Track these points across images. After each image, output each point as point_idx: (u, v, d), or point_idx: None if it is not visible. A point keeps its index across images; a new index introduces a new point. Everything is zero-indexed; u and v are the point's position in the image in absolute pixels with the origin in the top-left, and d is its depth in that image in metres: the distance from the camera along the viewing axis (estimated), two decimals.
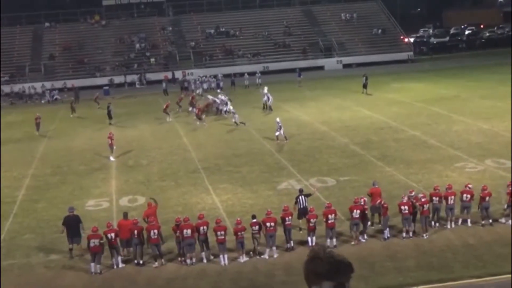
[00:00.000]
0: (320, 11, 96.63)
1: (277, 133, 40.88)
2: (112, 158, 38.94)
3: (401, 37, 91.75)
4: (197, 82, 72.17)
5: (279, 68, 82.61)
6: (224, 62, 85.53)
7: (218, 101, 52.61)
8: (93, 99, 62.59)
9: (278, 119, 41.51)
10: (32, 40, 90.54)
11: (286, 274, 21.94)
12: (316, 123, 47.02)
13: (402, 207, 24.10)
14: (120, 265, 23.26)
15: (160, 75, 79.72)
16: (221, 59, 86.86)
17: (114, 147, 39.42)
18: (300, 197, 26.01)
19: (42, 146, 44.92)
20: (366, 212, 24.34)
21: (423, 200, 24.40)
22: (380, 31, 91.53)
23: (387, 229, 24.40)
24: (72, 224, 23.93)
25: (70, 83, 78.30)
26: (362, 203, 24.44)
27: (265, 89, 53.84)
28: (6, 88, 78.79)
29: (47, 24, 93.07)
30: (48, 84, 78.65)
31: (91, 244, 22.74)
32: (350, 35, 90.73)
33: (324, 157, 37.26)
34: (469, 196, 25.07)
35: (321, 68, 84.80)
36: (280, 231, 23.90)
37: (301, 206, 25.67)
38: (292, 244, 23.70)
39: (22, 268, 23.85)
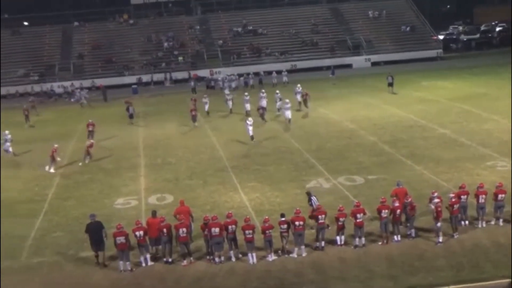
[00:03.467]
0: (347, 8, 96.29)
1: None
2: (52, 170, 37.94)
3: (431, 34, 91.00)
4: (225, 80, 72.32)
5: (307, 66, 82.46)
6: (252, 61, 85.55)
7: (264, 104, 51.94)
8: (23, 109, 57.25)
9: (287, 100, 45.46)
10: (61, 40, 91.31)
11: (314, 273, 21.83)
12: (344, 121, 46.81)
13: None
14: (149, 263, 23.32)
15: (188, 74, 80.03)
16: (249, 57, 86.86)
17: (58, 159, 38.64)
18: (312, 198, 25.99)
19: (71, 145, 45.22)
20: (397, 211, 24.02)
21: (453, 200, 24.09)
22: (408, 28, 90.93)
23: (413, 229, 24.19)
24: (95, 231, 23.55)
25: (98, 82, 78.93)
26: (392, 203, 24.16)
27: (299, 87, 53.46)
28: (36, 87, 79.59)
29: (76, 23, 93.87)
30: (77, 83, 79.34)
31: (117, 242, 22.77)
32: (378, 33, 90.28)
33: (353, 155, 37.06)
34: (503, 195, 24.75)
35: (349, 66, 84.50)
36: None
37: (314, 207, 25.66)
38: (323, 244, 23.55)
39: (52, 265, 23.98)
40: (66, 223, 28.53)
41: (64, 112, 63.95)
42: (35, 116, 59.06)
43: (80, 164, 38.42)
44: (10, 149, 42.55)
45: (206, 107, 53.85)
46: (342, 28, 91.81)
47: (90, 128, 45.22)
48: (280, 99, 51.66)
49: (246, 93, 53.62)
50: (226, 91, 60.83)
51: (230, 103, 54.33)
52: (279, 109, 50.98)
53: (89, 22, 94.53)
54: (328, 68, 77.76)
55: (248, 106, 50.93)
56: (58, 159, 38.42)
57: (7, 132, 43.17)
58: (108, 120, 54.46)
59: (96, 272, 23.08)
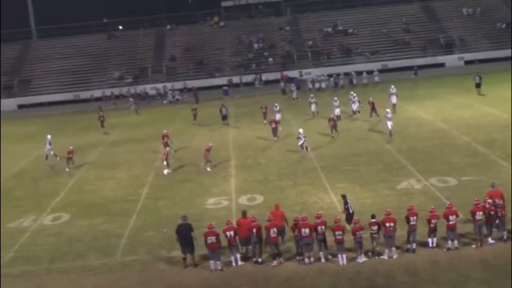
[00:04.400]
0: (440, 6, 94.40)
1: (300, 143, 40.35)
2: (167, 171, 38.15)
3: None
4: (315, 81, 72.25)
5: (398, 66, 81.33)
6: (342, 61, 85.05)
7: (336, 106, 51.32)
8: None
9: (300, 130, 40.68)
10: (154, 42, 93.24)
11: (406, 275, 21.53)
12: (436, 121, 45.98)
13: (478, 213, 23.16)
14: (239, 263, 23.52)
15: (280, 74, 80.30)
16: (339, 57, 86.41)
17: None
18: (349, 202, 25.68)
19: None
20: (492, 213, 23.42)
21: None
22: (504, 25, 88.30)
23: (505, 231, 23.53)
24: (185, 233, 23.74)
25: (190, 83, 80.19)
26: (486, 205, 23.57)
27: (392, 88, 51.91)
28: (131, 90, 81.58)
29: (168, 26, 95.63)
30: (169, 85, 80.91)
31: (208, 241, 23.05)
32: (472, 31, 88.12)
33: (445, 156, 36.34)
34: None
35: (441, 65, 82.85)
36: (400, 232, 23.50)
37: (351, 211, 25.37)
38: (414, 246, 23.20)
39: (145, 264, 24.52)
40: (159, 223, 29.10)
41: (157, 113, 65.26)
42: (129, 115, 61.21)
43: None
44: (51, 152, 44.15)
45: (313, 107, 53.19)
46: (435, 27, 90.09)
47: (165, 140, 43.17)
48: (356, 102, 51.00)
49: (335, 98, 50.97)
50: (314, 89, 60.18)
51: (313, 106, 53.36)
52: (354, 112, 50.52)
53: (181, 25, 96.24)
54: (419, 67, 76.47)
55: (337, 111, 48.79)
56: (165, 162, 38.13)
57: (49, 136, 44.79)
58: (200, 121, 55.19)
59: (187, 271, 23.44)
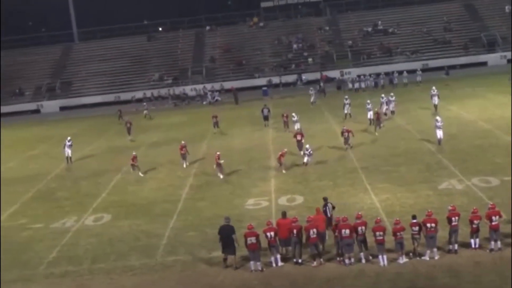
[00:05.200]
0: (482, 4, 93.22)
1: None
2: (221, 176, 36.84)
3: None
4: (355, 81, 71.92)
5: (439, 65, 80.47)
6: (382, 60, 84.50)
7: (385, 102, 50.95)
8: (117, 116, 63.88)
9: (307, 146, 38.18)
10: (194, 44, 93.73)
11: (447, 277, 21.26)
12: (478, 121, 45.40)
13: None
14: (279, 263, 23.48)
15: (317, 75, 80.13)
16: (379, 57, 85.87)
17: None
18: (327, 206, 25.26)
19: (204, 146, 46.34)
20: None
21: None
22: None
23: None
24: (226, 235, 23.75)
25: (229, 84, 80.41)
26: None
27: (434, 90, 50.94)
28: (170, 91, 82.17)
29: (208, 27, 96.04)
30: (208, 86, 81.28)
31: (248, 242, 23.05)
32: None
33: (488, 156, 35.85)
34: None
35: (483, 64, 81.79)
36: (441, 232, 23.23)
37: (328, 215, 24.94)
38: (456, 247, 22.91)
39: (186, 264, 24.62)
40: (199, 223, 29.20)
41: (197, 114, 65.53)
42: (148, 119, 62.16)
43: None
44: (70, 155, 44.91)
45: (346, 108, 51.87)
46: (476, 25, 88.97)
47: (183, 151, 40.91)
48: (387, 103, 50.26)
49: (368, 101, 49.26)
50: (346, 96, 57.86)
51: (347, 107, 52.06)
52: (385, 114, 49.56)
53: (221, 26, 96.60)
54: (461, 66, 75.57)
55: (370, 114, 47.44)
56: (220, 161, 36.94)
57: (69, 138, 45.36)
58: (239, 122, 55.33)
59: (227, 272, 23.46)
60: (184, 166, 39.99)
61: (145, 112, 65.90)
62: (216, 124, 51.43)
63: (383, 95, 52.18)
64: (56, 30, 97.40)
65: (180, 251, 26.05)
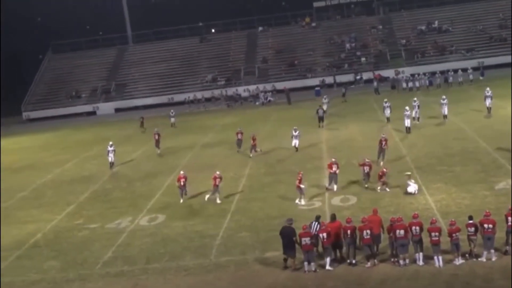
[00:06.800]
0: None
1: None
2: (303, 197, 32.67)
3: None
4: (409, 80, 71.17)
5: (495, 63, 79.08)
6: (436, 59, 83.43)
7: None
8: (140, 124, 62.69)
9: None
10: (246, 44, 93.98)
11: (504, 279, 20.84)
12: None
13: None
14: (333, 264, 23.34)
15: (370, 74, 79.54)
16: (433, 55, 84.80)
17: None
18: (313, 223, 24.21)
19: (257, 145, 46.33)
20: None
21: None
22: None
23: None
24: (286, 236, 23.69)
25: (281, 85, 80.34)
26: None
27: (488, 91, 49.62)
28: (223, 92, 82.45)
29: (260, 28, 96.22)
30: (261, 87, 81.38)
31: (303, 243, 23.01)
32: None
33: None
34: None
35: None
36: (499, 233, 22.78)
37: (314, 233, 23.57)
38: None
39: (239, 264, 24.67)
40: (252, 224, 29.24)
41: (250, 115, 65.68)
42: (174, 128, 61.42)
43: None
44: (113, 159, 44.84)
45: (387, 112, 50.03)
46: None
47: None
48: (418, 106, 48.53)
49: (406, 107, 46.26)
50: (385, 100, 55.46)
51: (388, 110, 50.07)
52: (414, 118, 47.26)
53: (273, 26, 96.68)
54: None
55: (408, 122, 45.18)
56: None
57: (111, 143, 45.48)
58: (293, 122, 55.18)
59: (280, 272, 23.44)
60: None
61: (172, 120, 62.65)
62: (253, 148, 43.62)
63: (415, 99, 50.29)
64: (111, 33, 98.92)
65: (234, 251, 26.12)
